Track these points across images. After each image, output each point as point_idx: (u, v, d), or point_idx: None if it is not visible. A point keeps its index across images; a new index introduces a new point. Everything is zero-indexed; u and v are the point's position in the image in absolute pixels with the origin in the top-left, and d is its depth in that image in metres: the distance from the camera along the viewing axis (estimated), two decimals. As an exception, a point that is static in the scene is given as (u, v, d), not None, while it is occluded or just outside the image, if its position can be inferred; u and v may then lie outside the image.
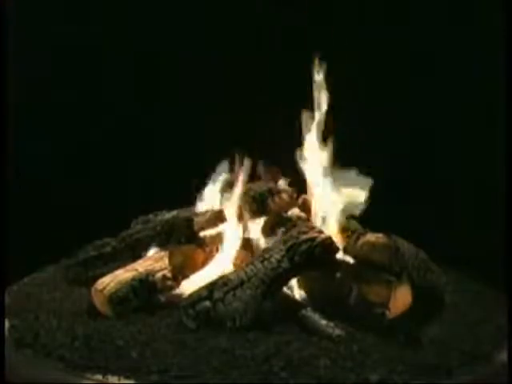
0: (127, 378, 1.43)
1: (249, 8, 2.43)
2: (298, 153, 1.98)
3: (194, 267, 1.88)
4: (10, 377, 1.53)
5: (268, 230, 1.98)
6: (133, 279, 1.76)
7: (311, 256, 1.72)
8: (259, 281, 1.67)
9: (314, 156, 1.97)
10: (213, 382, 1.41)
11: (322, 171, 1.95)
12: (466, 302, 1.86)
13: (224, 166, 2.09)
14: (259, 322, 1.63)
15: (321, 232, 1.77)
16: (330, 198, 1.93)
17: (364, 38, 2.40)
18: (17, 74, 2.39)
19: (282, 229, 1.93)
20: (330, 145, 1.95)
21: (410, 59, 2.42)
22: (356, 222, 2.04)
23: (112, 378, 1.43)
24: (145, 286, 1.77)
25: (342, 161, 1.95)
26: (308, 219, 1.98)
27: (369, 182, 1.91)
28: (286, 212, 2.03)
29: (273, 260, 1.70)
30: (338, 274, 1.76)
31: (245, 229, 1.98)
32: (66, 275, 1.99)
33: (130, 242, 1.98)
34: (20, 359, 1.55)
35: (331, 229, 1.90)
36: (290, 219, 1.98)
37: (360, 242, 1.77)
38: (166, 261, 1.84)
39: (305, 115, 1.96)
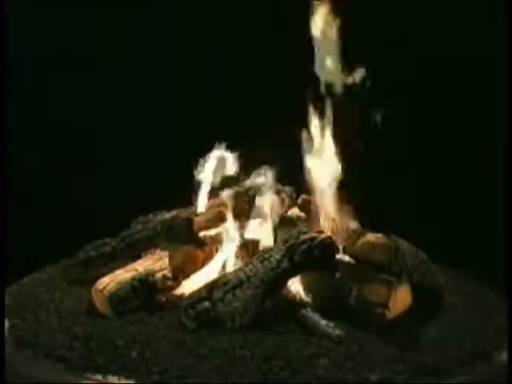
0: (127, 378, 1.43)
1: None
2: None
3: (194, 267, 1.88)
4: (10, 377, 1.53)
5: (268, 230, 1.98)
6: (133, 279, 1.76)
7: (311, 256, 1.72)
8: (259, 281, 1.66)
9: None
10: (213, 382, 1.41)
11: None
12: (465, 302, 1.85)
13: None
14: (259, 322, 1.63)
15: (320, 232, 1.77)
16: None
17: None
18: (17, 74, 2.39)
19: (282, 229, 1.93)
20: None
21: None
22: (356, 222, 2.04)
23: (112, 378, 1.43)
24: (145, 285, 1.77)
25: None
26: (308, 219, 1.98)
27: None
28: (286, 212, 2.03)
29: (272, 260, 1.70)
30: (338, 274, 1.76)
31: (244, 229, 1.98)
32: (66, 275, 1.99)
33: (130, 241, 1.98)
34: (20, 359, 1.55)
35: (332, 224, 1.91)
36: (290, 219, 1.98)
37: (360, 242, 1.76)
38: (166, 261, 1.84)
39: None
